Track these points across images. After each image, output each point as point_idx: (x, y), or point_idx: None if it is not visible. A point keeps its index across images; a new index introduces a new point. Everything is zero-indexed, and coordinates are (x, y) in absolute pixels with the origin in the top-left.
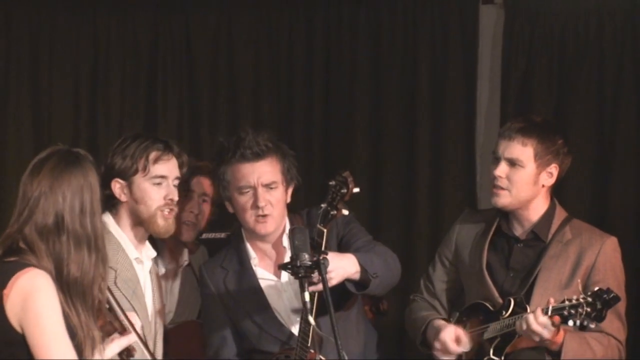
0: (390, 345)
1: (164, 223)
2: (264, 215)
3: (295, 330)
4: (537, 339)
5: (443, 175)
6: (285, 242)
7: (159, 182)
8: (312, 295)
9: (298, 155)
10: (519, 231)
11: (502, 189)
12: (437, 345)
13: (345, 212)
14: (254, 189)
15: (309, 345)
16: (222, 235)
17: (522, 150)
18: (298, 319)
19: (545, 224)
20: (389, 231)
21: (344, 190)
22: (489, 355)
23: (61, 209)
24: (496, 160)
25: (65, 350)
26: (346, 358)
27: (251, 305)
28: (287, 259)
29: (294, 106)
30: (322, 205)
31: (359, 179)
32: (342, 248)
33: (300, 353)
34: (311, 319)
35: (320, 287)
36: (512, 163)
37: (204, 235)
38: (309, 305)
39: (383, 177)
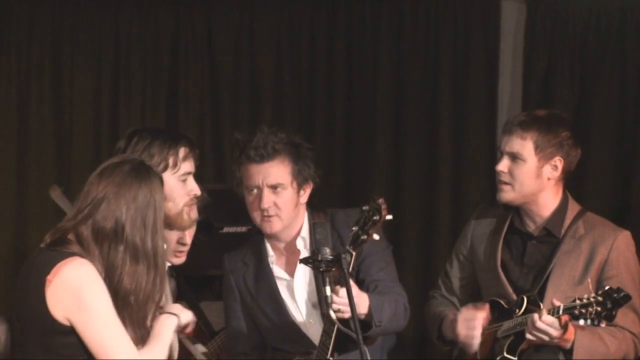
0: (409, 349)
1: (188, 217)
2: (269, 216)
3: (306, 330)
4: (546, 338)
5: (464, 172)
6: (300, 244)
7: (184, 179)
8: (332, 290)
9: (319, 151)
10: (531, 227)
11: (506, 183)
12: (461, 327)
13: (376, 236)
14: (259, 189)
15: (328, 357)
16: (243, 229)
17: (522, 144)
18: (311, 320)
19: (558, 220)
20: (410, 228)
21: (377, 217)
22: (503, 353)
23: (123, 219)
24: (500, 156)
25: (120, 338)
26: (368, 356)
27: (266, 303)
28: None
29: (315, 101)
30: (354, 228)
31: (379, 177)
32: (361, 269)
33: None
34: (332, 314)
35: (346, 315)
36: (513, 157)
37: (225, 229)
38: (330, 300)
39: (404, 174)
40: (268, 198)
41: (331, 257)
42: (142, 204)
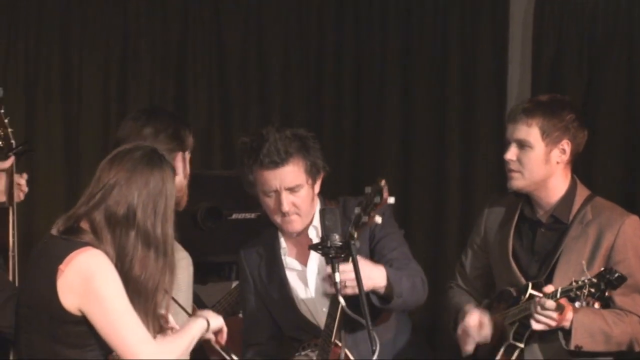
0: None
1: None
2: (290, 216)
3: (318, 319)
4: (551, 323)
5: (474, 159)
6: (312, 233)
7: (187, 159)
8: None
9: (327, 142)
10: (541, 214)
11: (515, 171)
12: (458, 331)
13: (379, 219)
14: (278, 192)
15: (332, 340)
16: (252, 215)
17: (528, 131)
18: (324, 309)
19: (566, 206)
20: (419, 219)
21: (378, 200)
22: (509, 340)
23: (134, 204)
24: (508, 145)
25: (134, 326)
26: (377, 341)
27: (277, 294)
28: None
29: (323, 90)
30: (356, 210)
31: (388, 166)
32: (375, 253)
33: (323, 346)
34: (341, 300)
35: (353, 290)
36: (521, 145)
37: (234, 216)
38: (338, 287)
39: (413, 164)
40: (287, 200)
41: (340, 243)
42: (154, 191)
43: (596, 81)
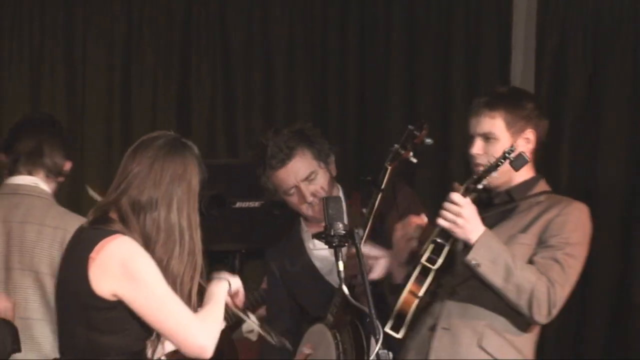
0: None
1: None
2: (316, 204)
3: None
4: (458, 220)
5: None
6: None
7: None
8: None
9: (331, 140)
10: (496, 196)
11: (482, 165)
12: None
13: (414, 159)
14: (297, 187)
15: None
16: (256, 204)
17: (492, 123)
18: None
19: (523, 189)
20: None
21: (417, 133)
22: (422, 260)
23: (156, 192)
24: (471, 139)
25: (180, 306)
26: (380, 329)
27: (307, 278)
28: None
29: (328, 82)
30: (395, 145)
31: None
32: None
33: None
34: (345, 289)
35: (377, 274)
36: (486, 138)
37: (238, 204)
38: (342, 275)
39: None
40: (308, 190)
41: (344, 232)
42: (175, 177)
43: (600, 72)
